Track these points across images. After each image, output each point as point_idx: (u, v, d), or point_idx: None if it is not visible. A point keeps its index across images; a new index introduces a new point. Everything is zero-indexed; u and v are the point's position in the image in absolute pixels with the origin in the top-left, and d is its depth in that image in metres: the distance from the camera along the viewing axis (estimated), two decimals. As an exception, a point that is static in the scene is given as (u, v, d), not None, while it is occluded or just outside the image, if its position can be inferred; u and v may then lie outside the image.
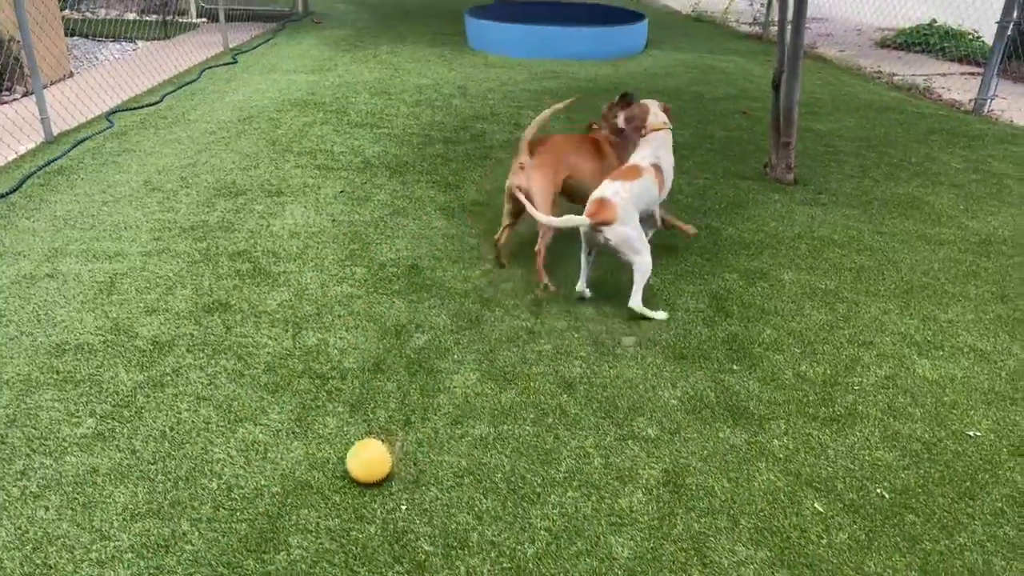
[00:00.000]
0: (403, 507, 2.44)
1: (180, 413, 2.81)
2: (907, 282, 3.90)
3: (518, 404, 2.92)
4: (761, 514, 2.46)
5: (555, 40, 8.90)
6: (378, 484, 2.51)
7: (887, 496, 2.55)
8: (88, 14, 10.19)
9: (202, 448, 2.65)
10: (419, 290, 3.67)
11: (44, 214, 4.33)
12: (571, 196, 3.91)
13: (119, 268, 3.77)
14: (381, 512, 2.42)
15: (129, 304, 3.48)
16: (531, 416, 2.86)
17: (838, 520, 2.44)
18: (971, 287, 3.87)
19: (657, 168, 3.71)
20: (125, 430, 2.71)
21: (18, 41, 6.14)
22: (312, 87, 7.14)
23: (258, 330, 3.32)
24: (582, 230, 3.47)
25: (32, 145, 5.42)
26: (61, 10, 7.98)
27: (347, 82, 7.38)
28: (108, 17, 10.03)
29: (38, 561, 2.20)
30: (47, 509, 2.38)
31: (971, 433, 2.85)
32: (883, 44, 10.03)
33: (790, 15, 4.89)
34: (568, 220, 3.39)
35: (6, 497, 2.41)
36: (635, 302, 3.46)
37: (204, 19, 10.45)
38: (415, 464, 2.62)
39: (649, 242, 3.59)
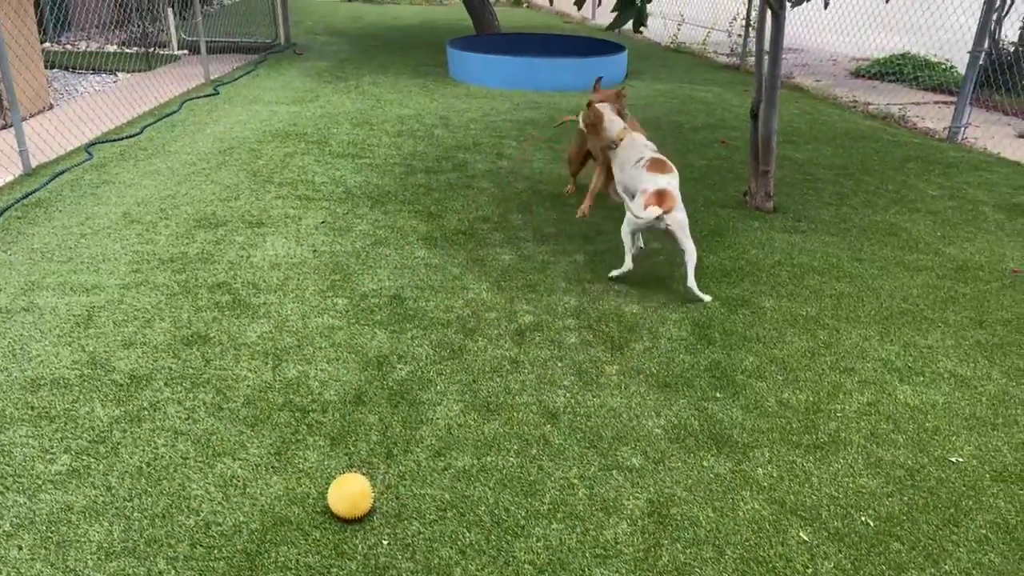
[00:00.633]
0: (385, 542, 2.40)
1: (157, 448, 2.76)
2: (887, 308, 3.93)
3: (502, 435, 2.90)
4: (746, 544, 2.44)
5: (536, 71, 8.98)
6: (359, 519, 2.47)
7: (872, 524, 2.54)
8: (69, 46, 10.18)
9: (179, 484, 2.60)
10: (401, 320, 3.65)
11: (21, 247, 4.28)
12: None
13: (96, 301, 3.73)
14: (362, 547, 2.38)
15: (106, 337, 3.43)
16: (515, 447, 2.83)
17: (823, 549, 2.43)
18: (950, 313, 3.90)
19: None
20: (101, 466, 2.66)
21: (-3, 73, 6.11)
22: (294, 118, 7.15)
23: (237, 363, 3.28)
24: (648, 219, 3.84)
25: (10, 178, 5.37)
26: (41, 42, 7.97)
27: (329, 113, 7.40)
28: (89, 49, 10.02)
29: (9, 604, 2.15)
30: (20, 548, 2.32)
31: (954, 459, 2.86)
32: (858, 74, 10.20)
33: (767, 46, 4.97)
34: (652, 211, 3.81)
35: (-23, 537, 2.35)
36: (692, 283, 3.87)
37: (185, 51, 10.46)
38: (397, 498, 2.58)
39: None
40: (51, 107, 7.34)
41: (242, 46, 10.85)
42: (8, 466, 2.65)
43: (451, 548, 2.39)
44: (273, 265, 4.15)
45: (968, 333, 3.72)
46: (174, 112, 7.25)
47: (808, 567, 2.36)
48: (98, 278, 3.95)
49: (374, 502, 2.52)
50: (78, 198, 5.03)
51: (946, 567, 2.38)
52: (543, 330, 3.62)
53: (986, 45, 6.93)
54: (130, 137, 6.40)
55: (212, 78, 8.82)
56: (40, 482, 2.58)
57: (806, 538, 2.47)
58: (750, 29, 10.40)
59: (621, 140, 4.33)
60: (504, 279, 4.09)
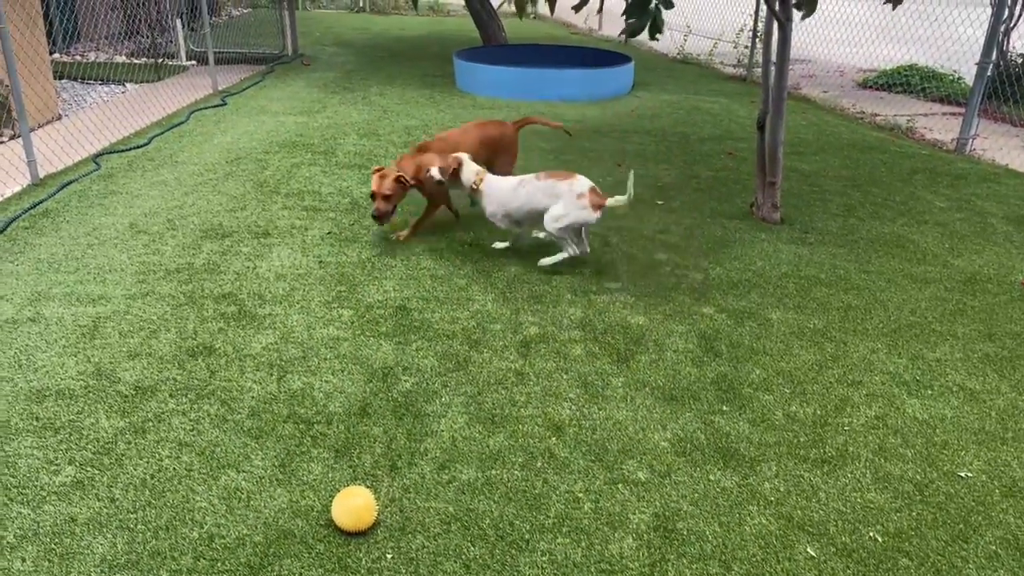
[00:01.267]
0: (389, 556, 2.39)
1: (162, 460, 2.76)
2: (895, 321, 3.91)
3: (506, 448, 2.88)
4: (753, 559, 2.42)
5: (542, 82, 9.00)
6: (363, 532, 2.46)
7: (880, 539, 2.52)
8: (78, 57, 10.25)
9: (183, 496, 2.59)
10: (406, 332, 3.65)
11: (28, 257, 4.29)
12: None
13: (103, 312, 3.73)
14: (366, 561, 2.36)
15: (112, 348, 3.43)
16: (520, 460, 2.82)
17: (831, 565, 2.41)
18: (958, 326, 3.88)
19: None
20: (105, 478, 2.66)
21: (6, 84, 6.15)
22: (300, 129, 7.18)
23: (242, 374, 3.28)
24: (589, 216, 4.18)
25: (18, 188, 5.40)
26: (50, 53, 8.03)
27: (336, 123, 7.42)
28: (98, 60, 10.09)
29: (11, 616, 2.14)
30: (24, 560, 2.32)
31: (963, 474, 2.83)
32: (865, 85, 10.19)
33: (774, 57, 4.96)
34: (617, 199, 4.14)
35: (-20, 549, 2.35)
36: (547, 262, 4.32)
37: (193, 62, 10.52)
38: (401, 511, 2.57)
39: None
40: (59, 117, 7.38)
41: (250, 57, 10.91)
42: (13, 477, 2.64)
43: (455, 562, 2.37)
44: (279, 276, 4.15)
45: (977, 346, 3.70)
46: (182, 123, 7.28)
47: (816, 583, 2.34)
48: (104, 289, 3.96)
49: (378, 515, 2.51)
50: (85, 208, 5.05)
51: (956, 584, 2.35)
52: (548, 342, 3.60)
53: (994, 56, 6.91)
54: (138, 148, 6.43)
55: (220, 89, 8.86)
56: (44, 493, 2.58)
57: (813, 554, 2.45)
58: (757, 40, 10.41)
59: (481, 180, 4.41)
60: (509, 290, 4.09)
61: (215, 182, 5.62)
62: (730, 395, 3.25)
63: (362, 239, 4.68)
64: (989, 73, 6.97)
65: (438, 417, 3.04)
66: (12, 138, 6.54)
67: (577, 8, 5.19)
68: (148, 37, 10.91)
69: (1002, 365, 3.54)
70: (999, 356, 3.62)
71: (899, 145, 7.29)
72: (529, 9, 18.65)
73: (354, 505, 2.47)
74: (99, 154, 6.23)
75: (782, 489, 2.72)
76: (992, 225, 5.24)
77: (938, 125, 8.07)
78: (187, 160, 6.14)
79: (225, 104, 8.13)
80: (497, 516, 2.56)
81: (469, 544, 2.44)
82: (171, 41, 10.91)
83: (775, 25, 4.90)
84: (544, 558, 2.40)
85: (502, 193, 4.37)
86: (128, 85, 9.01)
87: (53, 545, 2.38)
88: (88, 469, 2.70)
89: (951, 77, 9.54)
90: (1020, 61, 8.48)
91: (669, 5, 4.78)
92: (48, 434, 2.86)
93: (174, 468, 2.72)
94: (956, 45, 8.43)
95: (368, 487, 2.61)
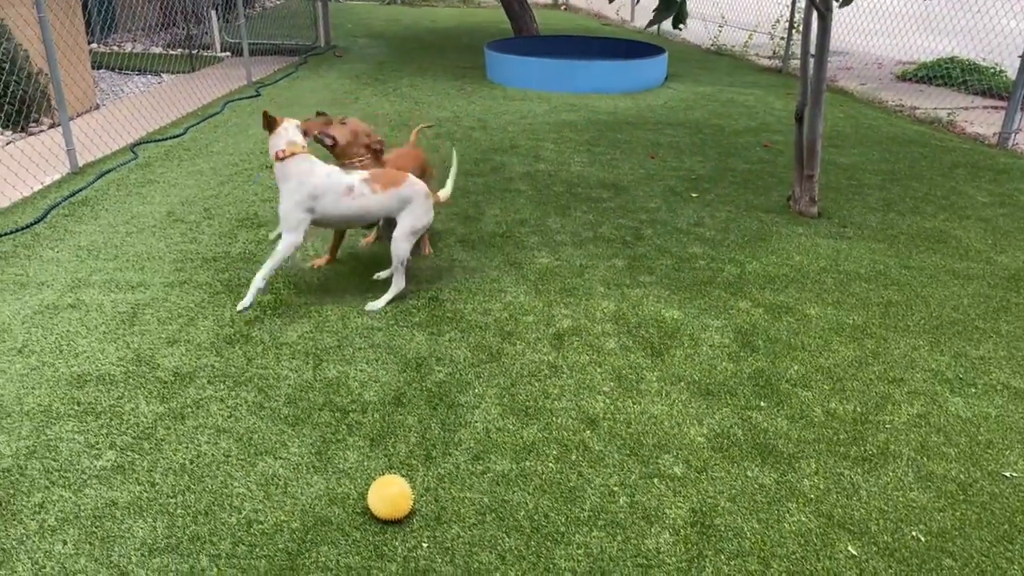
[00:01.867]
0: (424, 545, 2.39)
1: (200, 446, 2.78)
2: (936, 318, 3.83)
3: (540, 440, 2.87)
4: (793, 557, 2.38)
5: (574, 73, 8.95)
6: (399, 521, 2.46)
7: (923, 539, 2.47)
8: (115, 47, 10.38)
9: (222, 482, 2.62)
10: (440, 323, 3.65)
11: (68, 244, 4.36)
12: None
13: (141, 298, 3.77)
14: (402, 550, 2.37)
15: (151, 335, 3.47)
16: (554, 452, 2.81)
17: (872, 564, 2.37)
18: (1002, 323, 3.79)
19: None
20: (145, 463, 2.69)
21: (46, 74, 6.24)
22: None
23: (279, 362, 3.30)
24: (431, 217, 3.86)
25: (58, 176, 5.48)
26: (88, 43, 8.13)
27: (368, 115, 7.44)
28: (134, 51, 10.20)
29: (54, 597, 2.17)
30: (65, 543, 2.35)
31: (1007, 474, 2.77)
32: (904, 77, 10.00)
33: (813, 48, 4.88)
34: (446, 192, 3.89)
35: (24, 531, 2.39)
36: (382, 274, 3.92)
37: (228, 53, 10.61)
38: (436, 500, 2.57)
39: None
40: (97, 107, 7.48)
41: (283, 48, 10.97)
42: (54, 461, 2.68)
43: (491, 553, 2.37)
44: (311, 265, 4.17)
45: (1022, 344, 3.61)
46: (217, 113, 7.34)
47: (856, 582, 2.30)
48: (143, 276, 4.00)
49: (414, 504, 2.51)
50: (124, 197, 5.11)
51: (1001, 586, 2.30)
52: (581, 335, 3.58)
53: (1039, 48, 6.73)
54: (174, 137, 6.49)
55: (254, 80, 8.92)
56: (85, 477, 2.61)
57: (855, 552, 2.41)
58: (794, 31, 10.26)
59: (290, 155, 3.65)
60: (541, 282, 4.07)
61: (250, 172, 5.65)
62: (767, 391, 3.21)
63: (396, 229, 4.68)
64: (1034, 66, 6.80)
65: (472, 408, 3.04)
66: (52, 127, 6.64)
67: None
68: (184, 28, 11.02)
69: (1048, 364, 3.46)
70: (1045, 355, 3.53)
71: (939, 139, 7.15)
72: (560, 1, 18.56)
73: (390, 493, 2.47)
74: (136, 143, 6.30)
75: (822, 487, 2.68)
76: (1036, 221, 5.12)
77: (980, 119, 7.90)
78: (222, 150, 6.19)
79: (259, 95, 8.18)
80: (532, 508, 2.55)
81: (504, 535, 2.44)
82: (206, 32, 11.01)
83: (814, 15, 4.82)
84: (580, 551, 2.39)
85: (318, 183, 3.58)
86: (164, 75, 9.10)
87: (94, 528, 2.41)
88: (128, 454, 2.73)
89: (993, 70, 9.33)
90: (1066, 53, 8.26)
91: None
92: (89, 419, 2.90)
93: (212, 454, 2.74)
94: (999, 37, 8.25)
95: (403, 476, 2.61)
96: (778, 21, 11.22)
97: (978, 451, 2.88)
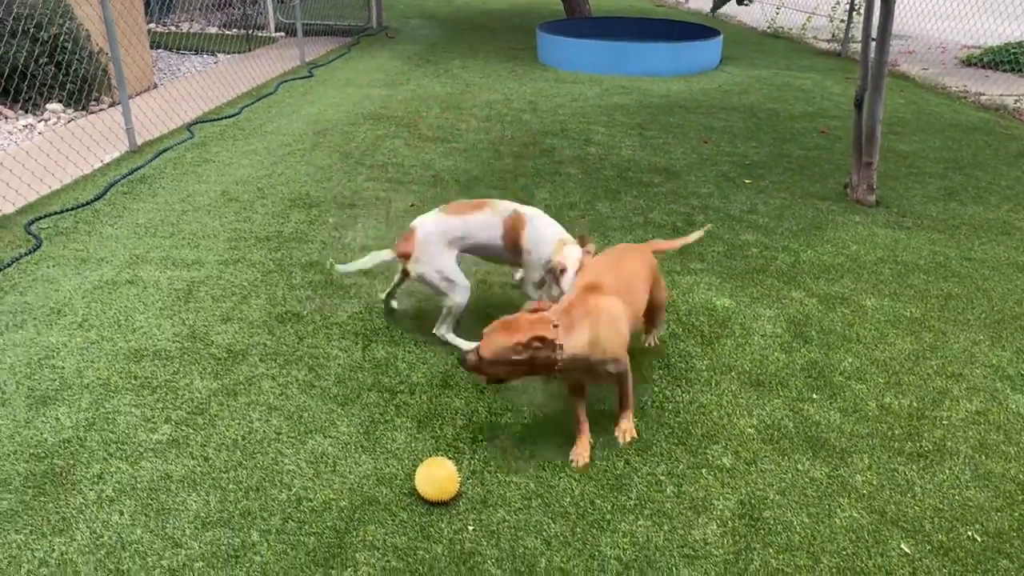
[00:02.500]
0: (470, 528, 2.40)
1: (252, 422, 2.83)
2: (998, 312, 3.71)
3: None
4: (843, 553, 2.34)
5: (627, 56, 8.83)
6: (445, 503, 2.48)
7: (979, 539, 2.40)
8: (172, 27, 10.55)
9: (272, 459, 2.66)
10: (487, 306, 3.64)
11: (127, 221, 4.46)
12: None
13: (197, 276, 3.85)
14: (448, 532, 2.38)
15: (205, 312, 3.54)
16: (600, 440, 2.79)
17: (926, 563, 2.31)
18: (1069, 319, 3.66)
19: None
20: (199, 437, 2.75)
21: (107, 53, 6.37)
22: (384, 101, 7.23)
23: (329, 342, 3.34)
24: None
25: (117, 154, 5.60)
26: (147, 24, 8.27)
27: (419, 96, 7.45)
28: (191, 31, 10.36)
29: (111, 566, 2.23)
30: (122, 514, 2.42)
31: (1071, 476, 2.67)
32: (969, 62, 9.66)
33: (874, 31, 4.74)
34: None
35: (83, 500, 2.46)
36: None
37: (282, 33, 10.71)
38: (482, 484, 2.58)
39: None
40: (155, 86, 7.62)
41: (336, 29, 11.04)
42: (112, 433, 2.76)
43: (536, 538, 2.37)
44: (363, 247, 4.20)
45: (1089, 341, 3.48)
46: (271, 93, 7.42)
47: (909, 581, 2.25)
48: (198, 254, 4.08)
49: (460, 486, 2.52)
50: (180, 175, 5.20)
51: (1062, 591, 2.23)
52: (632, 321, 3.54)
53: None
54: (229, 117, 6.59)
55: (307, 60, 8.99)
56: (142, 450, 2.68)
57: (908, 550, 2.35)
58: (855, 13, 9.97)
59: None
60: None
61: (302, 152, 5.71)
62: (820, 383, 3.14)
63: (445, 212, 4.68)
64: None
65: (518, 392, 3.04)
66: (111, 105, 6.79)
67: None
68: (239, 8, 11.15)
69: (1117, 363, 3.33)
70: (1114, 353, 3.40)
71: (1005, 127, 6.90)
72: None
73: (438, 475, 2.49)
74: (192, 123, 6.40)
75: (875, 482, 2.62)
76: (1108, 213, 4.92)
77: (1049, 106, 7.60)
78: (275, 130, 6.26)
79: (312, 75, 8.25)
80: (578, 494, 2.54)
81: (550, 520, 2.44)
82: (261, 13, 11.12)
83: (879, -3, 4.67)
84: (625, 539, 2.37)
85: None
86: (220, 55, 9.23)
87: (149, 500, 2.47)
88: (183, 428, 2.79)
89: (1065, 55, 8.96)
90: None
91: None
92: (146, 393, 2.97)
93: (264, 431, 2.79)
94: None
95: (450, 458, 2.63)
96: (838, 3, 10.92)
97: (1040, 451, 2.79)
